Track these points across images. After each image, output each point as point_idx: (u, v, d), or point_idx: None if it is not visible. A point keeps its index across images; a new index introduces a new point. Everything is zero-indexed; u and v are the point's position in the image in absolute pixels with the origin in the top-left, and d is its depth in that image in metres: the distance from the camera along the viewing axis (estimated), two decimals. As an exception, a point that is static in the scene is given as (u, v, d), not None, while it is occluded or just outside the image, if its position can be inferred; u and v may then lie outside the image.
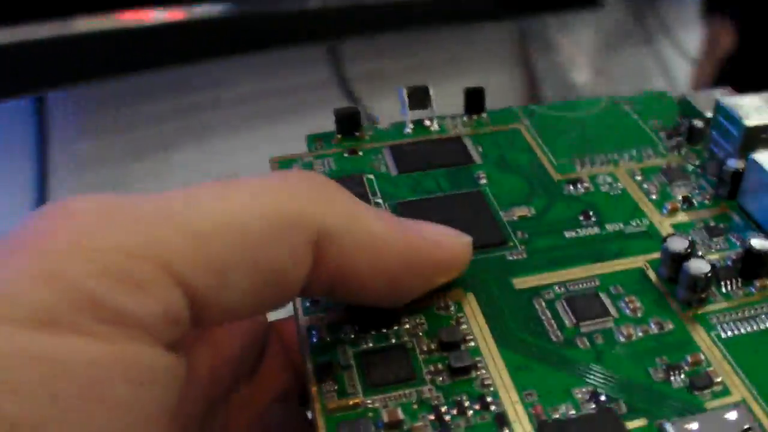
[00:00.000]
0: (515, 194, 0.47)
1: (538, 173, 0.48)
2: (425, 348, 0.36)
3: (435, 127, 0.53)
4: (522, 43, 1.60)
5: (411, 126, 0.52)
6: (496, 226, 0.44)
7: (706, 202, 0.46)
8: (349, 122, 0.51)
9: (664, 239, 0.40)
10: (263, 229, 0.26)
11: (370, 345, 0.37)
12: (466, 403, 0.34)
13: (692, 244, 0.40)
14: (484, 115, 0.54)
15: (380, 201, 0.46)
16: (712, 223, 0.44)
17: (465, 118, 0.53)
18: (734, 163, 0.45)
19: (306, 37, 1.23)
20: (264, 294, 0.28)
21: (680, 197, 0.46)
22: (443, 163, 0.49)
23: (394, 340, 0.37)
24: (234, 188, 0.27)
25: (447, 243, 0.36)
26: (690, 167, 0.49)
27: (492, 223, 0.44)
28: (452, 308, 0.39)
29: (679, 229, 0.44)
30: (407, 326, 0.38)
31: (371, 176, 0.48)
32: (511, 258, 0.42)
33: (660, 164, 0.49)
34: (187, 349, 0.27)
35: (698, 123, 0.51)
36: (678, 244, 0.40)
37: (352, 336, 0.37)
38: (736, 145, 0.46)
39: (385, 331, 0.37)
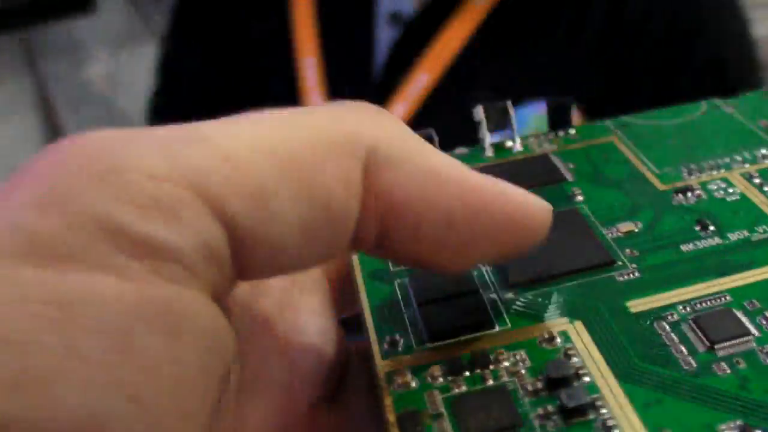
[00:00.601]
0: (617, 209, 0.41)
1: (640, 185, 0.43)
2: (530, 388, 0.31)
3: (518, 147, 0.48)
4: (28, 51, 1.64)
5: (491, 149, 0.48)
6: (600, 245, 0.38)
7: (842, 200, 0.39)
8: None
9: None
10: (307, 149, 0.23)
11: (464, 389, 0.31)
12: (589, 450, 0.28)
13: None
14: (572, 131, 0.48)
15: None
16: None
17: (551, 136, 0.48)
18: None
19: None
20: (314, 230, 0.24)
21: (811, 197, 0.40)
22: (531, 183, 0.44)
23: (491, 382, 0.31)
24: (272, 115, 0.24)
25: (521, 198, 0.31)
26: (816, 164, 0.42)
27: (595, 242, 0.38)
28: (558, 339, 0.33)
29: (816, 232, 0.37)
30: (506, 363, 0.32)
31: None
32: (621, 279, 0.36)
33: (779, 166, 0.43)
34: (258, 358, 0.24)
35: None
36: (822, 246, 0.33)
37: (441, 379, 0.32)
38: None
39: (479, 371, 0.32)
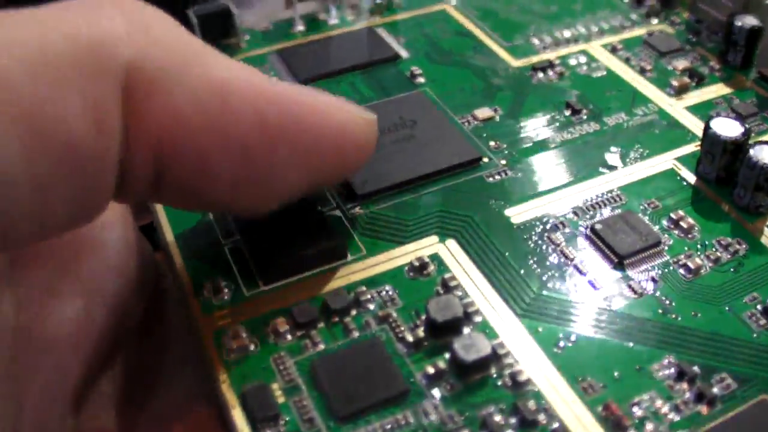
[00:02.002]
0: (468, 92, 0.33)
1: (489, 61, 0.35)
2: (410, 338, 0.23)
3: (334, 20, 0.38)
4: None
5: (301, 23, 0.38)
6: (460, 136, 0.30)
7: (716, 74, 0.34)
8: (218, 24, 0.35)
9: (707, 123, 0.28)
10: (26, 77, 0.17)
11: (321, 347, 0.23)
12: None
13: (746, 129, 0.28)
14: (395, -2, 0.40)
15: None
16: (736, 101, 0.33)
17: (370, 4, 0.39)
18: (748, 20, 0.34)
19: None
20: (52, 189, 0.18)
21: (681, 70, 0.34)
22: (357, 64, 0.35)
23: (356, 333, 0.23)
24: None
25: (336, 110, 0.23)
26: (677, 33, 0.37)
27: (452, 134, 0.30)
28: (431, 266, 0.25)
29: (698, 111, 0.32)
30: (371, 306, 0.24)
31: (260, 92, 0.33)
32: (491, 180, 0.29)
33: (640, 34, 0.37)
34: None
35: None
36: (730, 128, 0.28)
37: (289, 336, 0.23)
38: (741, -3, 0.35)
39: (337, 319, 0.24)
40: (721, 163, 0.28)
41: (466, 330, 0.23)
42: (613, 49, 0.36)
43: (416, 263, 0.25)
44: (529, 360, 0.22)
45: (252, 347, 0.23)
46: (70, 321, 0.24)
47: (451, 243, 0.26)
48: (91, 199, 0.19)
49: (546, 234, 0.26)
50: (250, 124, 0.21)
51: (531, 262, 0.25)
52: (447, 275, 0.25)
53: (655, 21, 0.38)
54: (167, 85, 0.20)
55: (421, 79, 0.34)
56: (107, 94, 0.18)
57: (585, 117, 0.32)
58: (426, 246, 0.26)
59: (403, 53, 0.35)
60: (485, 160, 0.29)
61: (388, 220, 0.27)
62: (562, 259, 0.25)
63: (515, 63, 0.35)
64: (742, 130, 0.27)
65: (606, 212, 0.27)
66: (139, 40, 0.19)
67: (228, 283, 0.25)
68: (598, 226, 0.26)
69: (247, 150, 0.21)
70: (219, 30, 0.35)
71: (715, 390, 0.22)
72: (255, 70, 0.22)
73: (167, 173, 0.20)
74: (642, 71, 0.34)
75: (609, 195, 0.28)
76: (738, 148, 0.27)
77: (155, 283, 0.28)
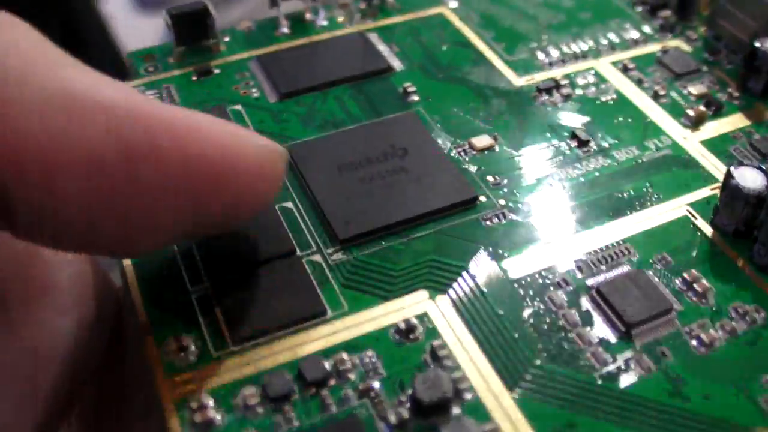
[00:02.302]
0: (466, 115, 0.30)
1: (490, 79, 0.32)
2: (393, 419, 0.21)
3: (322, 21, 0.35)
4: None
5: (286, 23, 0.35)
6: (456, 172, 0.27)
7: (735, 103, 0.32)
8: (194, 25, 0.32)
9: (729, 173, 0.25)
10: None
11: (296, 424, 0.20)
12: None
13: (770, 176, 0.25)
14: (390, -2, 0.36)
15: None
16: (756, 136, 0.30)
17: (362, 5, 0.36)
18: (772, 42, 0.31)
19: None
20: None
21: (697, 96, 0.31)
22: (347, 76, 0.32)
23: (334, 408, 0.21)
24: None
25: (219, 131, 0.20)
26: (694, 50, 0.34)
27: (448, 167, 0.27)
28: (419, 328, 0.23)
29: (715, 147, 0.29)
30: (351, 376, 0.22)
31: (238, 107, 0.30)
32: (489, 224, 0.26)
33: (654, 51, 0.34)
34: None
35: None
36: (753, 178, 0.25)
37: (260, 409, 0.21)
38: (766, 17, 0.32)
39: (314, 391, 0.21)
40: (742, 215, 0.25)
41: (455, 410, 0.21)
42: (625, 68, 0.33)
43: (403, 325, 0.23)
44: (525, 452, 0.20)
45: (218, 419, 0.20)
46: (21, 371, 0.22)
47: (442, 300, 0.24)
48: None
49: (547, 293, 0.24)
50: (103, 138, 0.17)
51: (528, 326, 0.23)
52: (436, 342, 0.22)
53: (669, 35, 0.35)
54: (8, 94, 0.17)
55: (415, 97, 0.31)
56: None
57: (593, 150, 0.29)
58: (414, 303, 0.23)
59: (397, 64, 0.33)
60: (482, 199, 0.27)
61: (373, 269, 0.24)
62: (564, 324, 0.23)
63: (518, 81, 0.32)
64: (766, 182, 0.25)
65: (613, 268, 0.25)
66: None
67: (194, 338, 0.22)
68: (604, 289, 0.24)
69: (102, 168, 0.17)
70: (195, 31, 0.32)
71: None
72: (124, 84, 0.19)
73: (12, 198, 0.17)
74: (656, 96, 0.31)
75: (617, 248, 0.25)
76: (761, 201, 0.25)
77: (117, 320, 0.26)
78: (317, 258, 0.24)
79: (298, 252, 0.24)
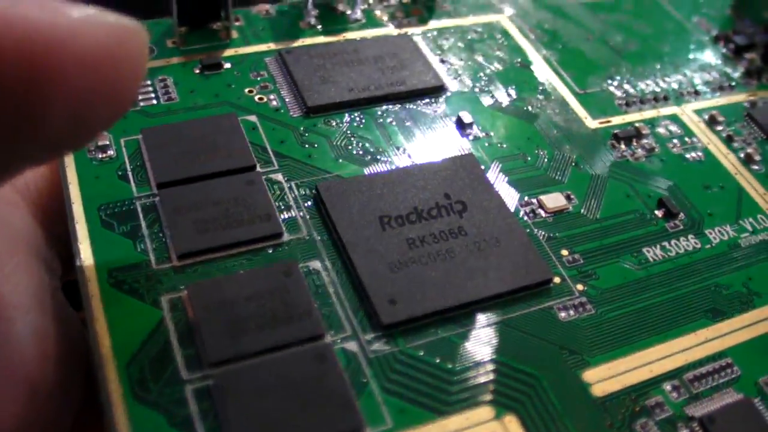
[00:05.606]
0: (533, 162, 0.25)
1: (561, 118, 0.27)
2: None
3: (357, 15, 0.29)
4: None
5: (314, 12, 0.29)
6: (526, 237, 0.22)
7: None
8: (203, 4, 0.26)
9: None
10: None
11: None
12: None
13: None
14: (437, -5, 0.31)
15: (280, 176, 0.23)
16: None
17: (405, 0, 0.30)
18: None
19: None
20: None
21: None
22: (392, 92, 0.26)
23: None
24: None
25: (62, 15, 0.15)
26: (786, 107, 0.29)
27: (516, 231, 0.22)
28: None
29: (820, 234, 0.25)
30: None
31: (252, 117, 0.24)
32: (564, 315, 0.21)
33: (740, 100, 0.29)
34: None
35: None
36: None
37: None
38: None
39: None
40: None
41: None
42: (712, 120, 0.28)
43: (465, 458, 0.17)
44: None
45: None
46: None
47: (511, 421, 0.18)
48: None
49: (636, 420, 0.19)
50: None
51: (618, 468, 0.18)
52: (508, 485, 0.17)
53: (755, 83, 0.30)
54: None
55: (476, 131, 0.25)
56: None
57: (682, 226, 0.24)
58: (476, 425, 0.18)
59: (451, 83, 0.27)
60: (556, 280, 0.21)
61: (425, 369, 0.19)
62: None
63: (591, 123, 0.27)
64: None
65: (712, 386, 0.20)
66: None
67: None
68: (708, 424, 0.19)
69: None
70: (204, 11, 0.26)
71: None
72: None
73: None
74: (748, 160, 0.26)
75: (716, 363, 0.20)
76: None
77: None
78: (352, 346, 0.19)
79: (328, 337, 0.19)
